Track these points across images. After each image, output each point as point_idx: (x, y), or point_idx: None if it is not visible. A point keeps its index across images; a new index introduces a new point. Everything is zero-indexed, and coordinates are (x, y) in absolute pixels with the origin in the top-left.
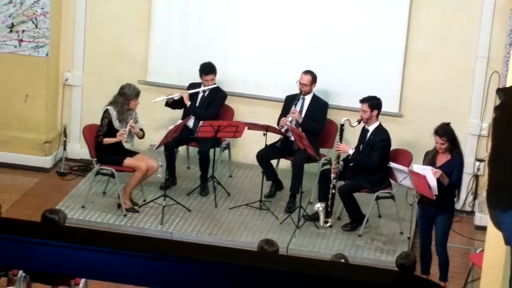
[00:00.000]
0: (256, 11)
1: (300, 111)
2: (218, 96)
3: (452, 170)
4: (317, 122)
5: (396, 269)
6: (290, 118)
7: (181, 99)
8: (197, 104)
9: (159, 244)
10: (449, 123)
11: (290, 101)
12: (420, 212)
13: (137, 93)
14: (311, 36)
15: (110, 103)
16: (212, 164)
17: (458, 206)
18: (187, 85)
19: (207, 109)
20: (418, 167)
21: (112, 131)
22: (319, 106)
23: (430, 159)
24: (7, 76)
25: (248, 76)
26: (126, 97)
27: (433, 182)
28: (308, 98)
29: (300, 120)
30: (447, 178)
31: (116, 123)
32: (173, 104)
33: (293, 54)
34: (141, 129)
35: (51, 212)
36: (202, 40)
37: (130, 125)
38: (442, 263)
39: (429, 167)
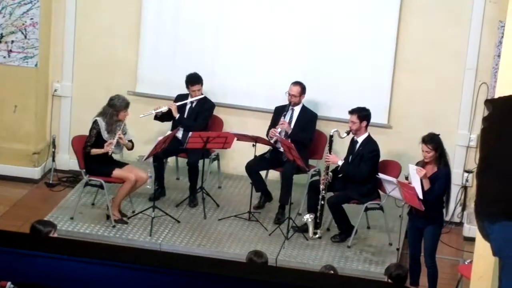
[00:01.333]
0: (246, 22)
1: (289, 122)
2: (206, 106)
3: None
4: (306, 133)
5: (386, 279)
6: (279, 130)
7: (170, 111)
8: (185, 116)
9: (147, 255)
10: (438, 134)
11: (279, 112)
12: (409, 223)
13: (126, 104)
14: (300, 47)
15: (99, 114)
16: (201, 175)
17: (447, 217)
18: (176, 96)
19: (196, 120)
20: (412, 167)
21: (100, 142)
22: (308, 117)
23: None
24: None
25: (238, 87)
26: (115, 108)
27: (417, 186)
28: (297, 109)
29: (289, 131)
30: (429, 184)
31: (105, 134)
32: (162, 117)
33: (282, 65)
34: (130, 141)
35: (39, 223)
36: (192, 51)
37: (118, 136)
38: (431, 274)
39: (415, 166)
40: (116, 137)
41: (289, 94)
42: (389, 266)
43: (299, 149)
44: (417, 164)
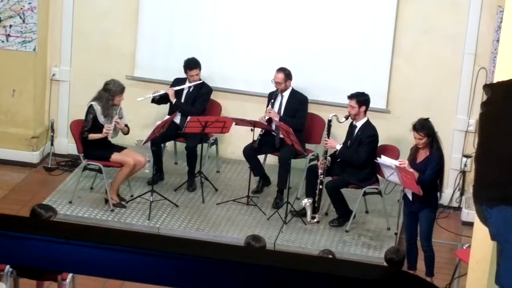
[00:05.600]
0: (244, 6)
1: (279, 108)
2: (203, 91)
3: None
4: (298, 117)
5: (385, 263)
6: (266, 117)
7: (167, 95)
8: (182, 100)
9: (146, 239)
10: (427, 118)
11: (272, 98)
12: (404, 208)
13: (122, 89)
14: (298, 32)
15: (95, 99)
16: (200, 159)
17: (445, 202)
18: (174, 80)
19: (193, 105)
20: (386, 159)
21: (97, 127)
22: (298, 101)
23: (411, 154)
24: None
25: (236, 71)
26: (110, 93)
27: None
28: (286, 95)
29: (277, 119)
30: (416, 172)
31: (101, 118)
32: (158, 100)
33: (280, 50)
34: (126, 125)
35: (40, 207)
36: (190, 35)
37: (116, 121)
38: (428, 258)
39: (395, 161)
40: (113, 121)
41: (274, 82)
42: (387, 250)
43: (295, 134)
44: (411, 150)
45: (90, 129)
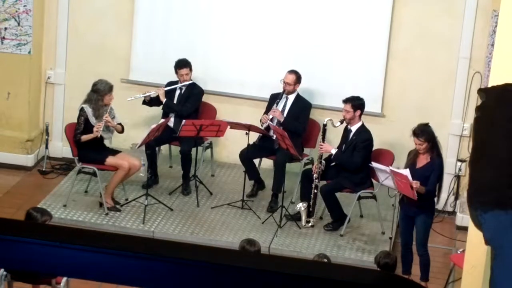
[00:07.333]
0: (239, 9)
1: (283, 111)
2: (194, 91)
3: (431, 173)
4: (300, 122)
5: (377, 267)
6: (270, 116)
7: (158, 96)
8: (175, 102)
9: (140, 243)
10: (427, 123)
11: (274, 99)
12: (401, 212)
13: (110, 88)
14: (294, 36)
15: (85, 101)
16: (194, 163)
17: (439, 206)
18: (166, 83)
19: (184, 105)
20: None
21: (90, 129)
22: (302, 106)
23: (409, 159)
24: None
25: (231, 75)
26: (99, 93)
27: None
28: (291, 98)
29: (282, 120)
30: (423, 187)
31: (92, 120)
32: (150, 102)
33: (276, 53)
34: (120, 124)
35: (35, 210)
36: (185, 38)
37: (105, 119)
38: (423, 263)
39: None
40: (103, 120)
41: (284, 82)
42: (378, 254)
43: (293, 138)
44: (408, 154)
45: (83, 132)
